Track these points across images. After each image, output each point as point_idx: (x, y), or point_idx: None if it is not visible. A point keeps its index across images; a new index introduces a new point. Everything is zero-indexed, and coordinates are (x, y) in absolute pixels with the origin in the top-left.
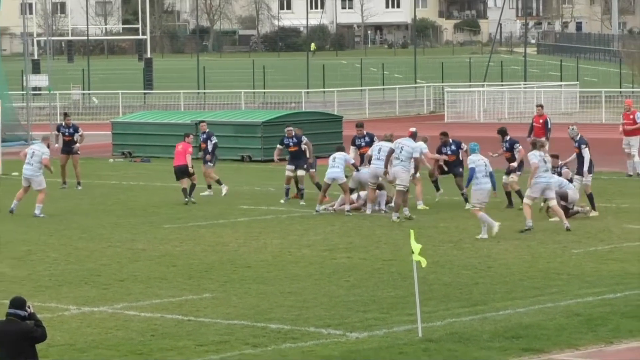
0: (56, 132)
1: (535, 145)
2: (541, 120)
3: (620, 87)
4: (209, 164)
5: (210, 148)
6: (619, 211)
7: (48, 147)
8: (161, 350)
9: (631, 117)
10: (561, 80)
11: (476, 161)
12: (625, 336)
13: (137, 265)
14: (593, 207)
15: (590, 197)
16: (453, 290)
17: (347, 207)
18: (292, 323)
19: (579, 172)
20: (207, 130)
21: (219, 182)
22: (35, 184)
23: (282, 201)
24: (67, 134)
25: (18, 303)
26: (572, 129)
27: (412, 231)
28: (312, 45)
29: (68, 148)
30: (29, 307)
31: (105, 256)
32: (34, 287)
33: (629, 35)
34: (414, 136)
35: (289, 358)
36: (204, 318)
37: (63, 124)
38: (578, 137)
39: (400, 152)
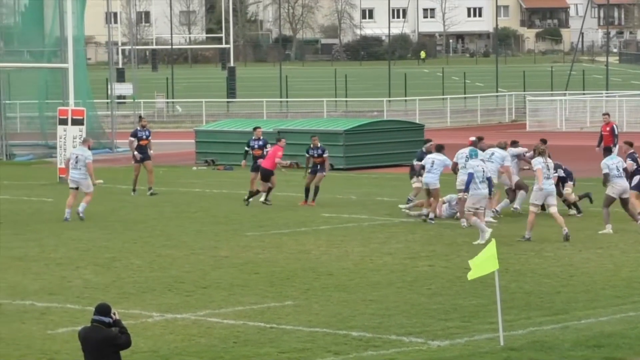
0: (131, 138)
1: (536, 152)
2: (608, 128)
3: None
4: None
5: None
6: None
7: (89, 148)
8: (243, 357)
9: None
10: None
11: (475, 167)
12: None
13: (220, 272)
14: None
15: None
16: (535, 299)
17: (431, 214)
18: (374, 331)
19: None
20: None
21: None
22: (83, 187)
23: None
24: (144, 137)
25: (103, 310)
26: None
27: (493, 240)
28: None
29: (143, 154)
30: (114, 314)
31: (188, 263)
32: (117, 293)
33: None
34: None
35: None
36: (285, 325)
37: (139, 127)
38: None
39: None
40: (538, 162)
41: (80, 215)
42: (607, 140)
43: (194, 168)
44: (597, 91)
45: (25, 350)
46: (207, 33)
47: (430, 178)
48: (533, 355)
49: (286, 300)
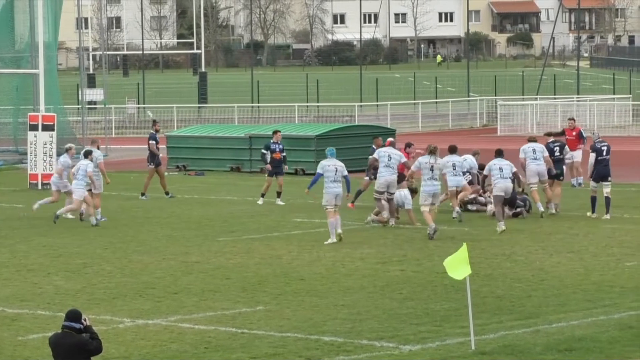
0: (152, 142)
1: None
2: (574, 133)
3: None
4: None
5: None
6: None
7: (98, 148)
8: None
9: None
10: (614, 94)
11: (423, 163)
12: None
13: (191, 278)
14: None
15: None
16: (506, 303)
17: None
18: (345, 336)
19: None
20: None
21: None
22: (96, 186)
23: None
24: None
25: (74, 316)
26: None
27: (464, 244)
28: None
29: (156, 159)
30: (84, 320)
31: (159, 269)
32: (88, 299)
33: None
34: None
35: None
36: (257, 330)
37: (153, 131)
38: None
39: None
40: (420, 161)
41: (103, 219)
42: (573, 145)
43: (166, 173)
44: (568, 95)
45: None
46: (178, 38)
47: (458, 181)
48: (504, 359)
49: (258, 305)
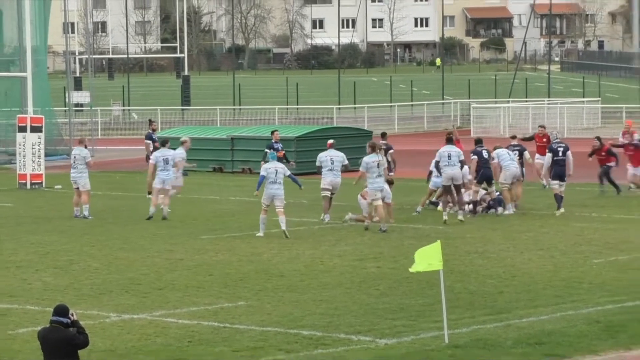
0: (147, 141)
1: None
2: (545, 139)
3: None
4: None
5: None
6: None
7: (85, 147)
8: (198, 356)
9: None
10: (584, 97)
11: (369, 162)
12: None
13: (175, 274)
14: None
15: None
16: (478, 299)
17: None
18: (324, 330)
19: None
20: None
21: None
22: (80, 185)
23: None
24: (157, 140)
25: (61, 311)
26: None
27: (439, 242)
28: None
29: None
30: (72, 315)
31: (144, 266)
32: (76, 295)
33: None
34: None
35: None
36: (239, 325)
37: (150, 130)
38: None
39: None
40: (366, 161)
41: (90, 218)
42: (542, 150)
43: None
44: (540, 99)
45: None
46: (162, 43)
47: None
48: (476, 352)
49: (239, 300)
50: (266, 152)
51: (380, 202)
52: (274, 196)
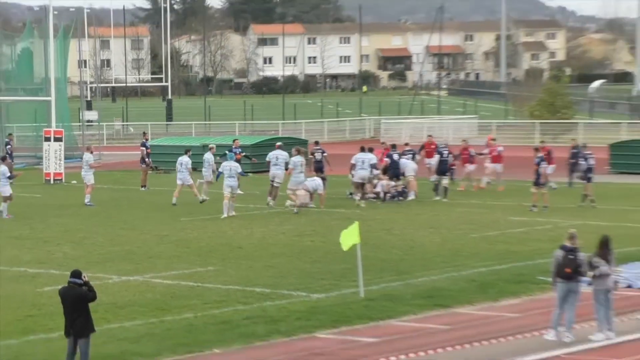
0: (142, 148)
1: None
2: (433, 146)
3: (506, 119)
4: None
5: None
6: (505, 207)
7: (91, 153)
8: (178, 307)
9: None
10: (464, 114)
11: (296, 162)
12: (507, 296)
13: (161, 247)
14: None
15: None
16: (386, 264)
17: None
18: (272, 288)
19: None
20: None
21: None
22: (86, 180)
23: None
24: (149, 147)
25: (76, 274)
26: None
27: (357, 222)
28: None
29: (146, 161)
30: (84, 277)
31: (138, 240)
32: (87, 262)
33: (513, 82)
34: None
35: (269, 312)
36: (208, 284)
37: (144, 139)
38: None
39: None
40: (293, 160)
41: (91, 205)
42: (430, 154)
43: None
44: (432, 116)
45: (20, 303)
46: (151, 75)
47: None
48: (384, 304)
49: (209, 266)
50: (226, 154)
51: (302, 191)
52: (231, 186)
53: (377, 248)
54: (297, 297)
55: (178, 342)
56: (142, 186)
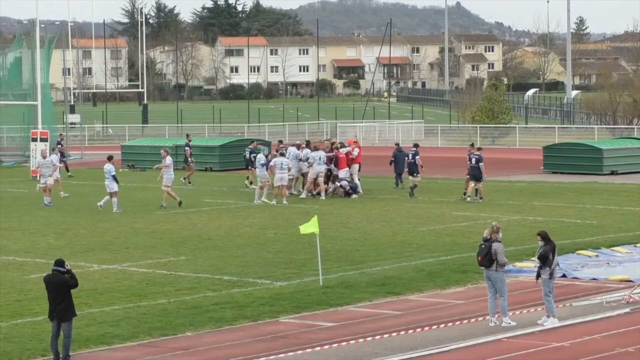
0: (187, 148)
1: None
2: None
3: (450, 124)
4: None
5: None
6: (450, 203)
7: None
8: (153, 293)
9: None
10: (412, 119)
11: (277, 161)
12: (453, 284)
13: (137, 238)
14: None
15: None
16: (342, 255)
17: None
18: (239, 276)
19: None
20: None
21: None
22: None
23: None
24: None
25: (59, 262)
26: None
27: (316, 216)
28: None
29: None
30: (67, 265)
31: (116, 232)
32: (70, 251)
33: (455, 90)
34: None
35: (236, 298)
36: (180, 272)
37: (188, 141)
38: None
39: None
40: (275, 161)
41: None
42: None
43: (120, 170)
44: (383, 120)
45: (9, 289)
46: (129, 81)
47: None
48: (341, 291)
49: (181, 256)
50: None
51: (283, 185)
52: (267, 177)
53: (335, 240)
54: (261, 284)
55: (153, 326)
56: (188, 182)
